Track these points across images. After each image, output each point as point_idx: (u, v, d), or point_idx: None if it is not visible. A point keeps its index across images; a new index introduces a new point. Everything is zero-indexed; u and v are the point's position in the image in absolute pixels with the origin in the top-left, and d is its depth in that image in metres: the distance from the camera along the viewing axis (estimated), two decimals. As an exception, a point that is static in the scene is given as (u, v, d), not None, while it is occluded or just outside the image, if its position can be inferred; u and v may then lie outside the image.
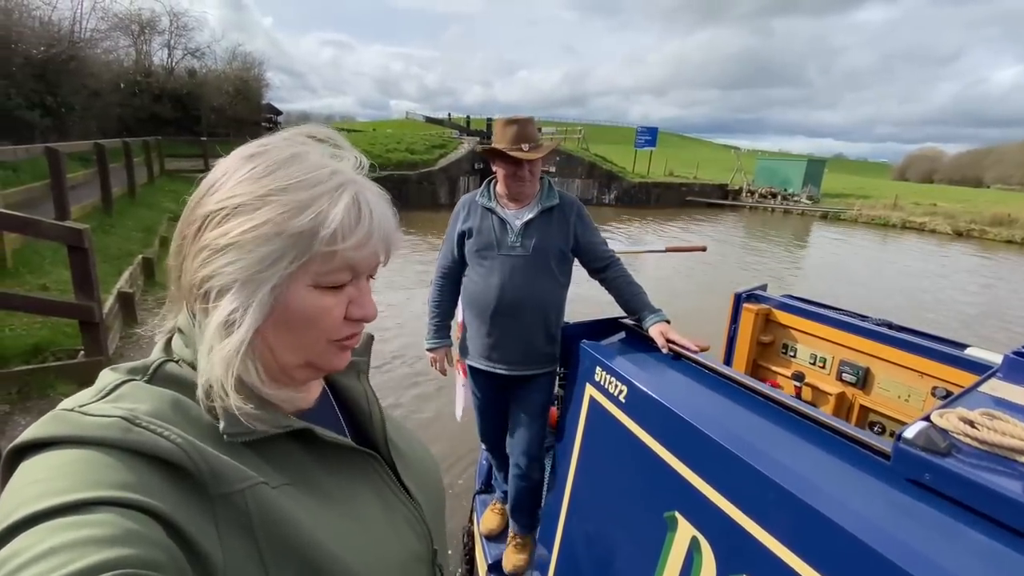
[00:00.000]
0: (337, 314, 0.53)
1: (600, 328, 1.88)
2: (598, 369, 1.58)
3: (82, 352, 4.01)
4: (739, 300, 2.27)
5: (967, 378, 1.52)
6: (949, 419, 0.94)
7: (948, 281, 12.48)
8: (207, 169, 0.54)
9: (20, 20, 14.27)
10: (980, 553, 0.75)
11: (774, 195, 27.86)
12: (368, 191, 0.54)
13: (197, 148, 17.08)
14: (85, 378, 2.40)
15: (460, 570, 2.77)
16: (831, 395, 1.96)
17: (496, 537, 2.33)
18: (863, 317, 1.98)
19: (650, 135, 29.66)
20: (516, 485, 2.06)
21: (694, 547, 1.12)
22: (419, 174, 19.79)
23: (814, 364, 2.05)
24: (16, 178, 8.16)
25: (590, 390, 1.62)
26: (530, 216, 1.89)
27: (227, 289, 0.48)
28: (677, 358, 1.57)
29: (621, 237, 15.55)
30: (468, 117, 34.17)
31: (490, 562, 2.22)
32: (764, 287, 2.37)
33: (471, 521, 2.70)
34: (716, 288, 9.16)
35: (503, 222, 1.89)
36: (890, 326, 1.88)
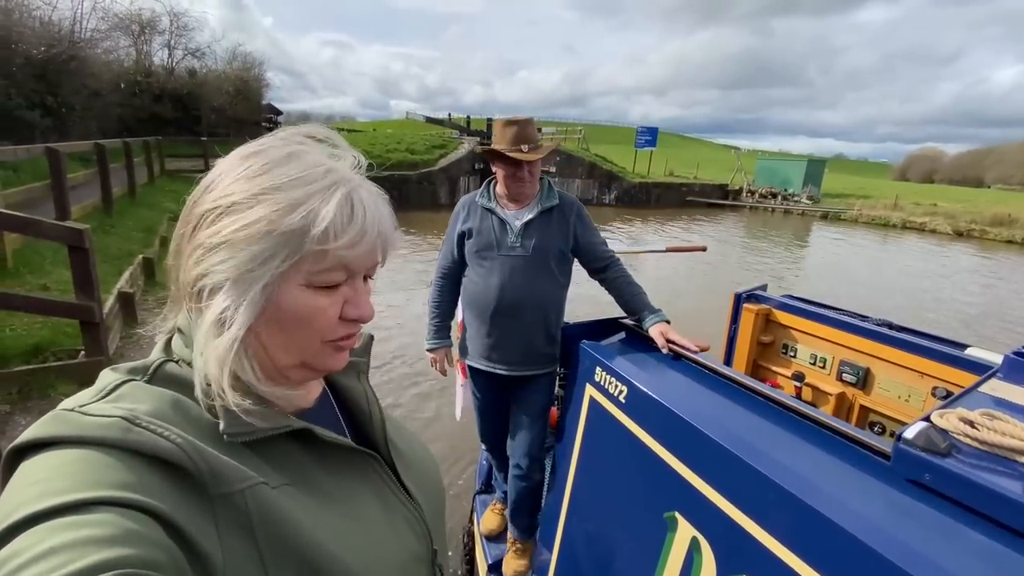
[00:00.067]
0: (331, 314, 0.53)
1: (600, 328, 1.88)
2: (598, 369, 1.58)
3: (82, 352, 4.01)
4: (739, 300, 2.27)
5: (967, 378, 1.52)
6: (949, 419, 0.94)
7: (948, 281, 12.48)
8: (207, 169, 0.54)
9: (20, 20, 14.27)
10: (980, 553, 0.75)
11: (774, 195, 27.85)
12: (363, 190, 0.53)
13: (197, 148, 17.09)
14: (85, 378, 2.40)
15: (460, 570, 2.77)
16: (831, 395, 1.96)
17: (496, 537, 2.33)
18: (863, 317, 1.97)
19: (650, 135, 29.65)
20: (516, 486, 2.06)
21: (694, 547, 1.12)
22: (419, 174, 19.79)
23: (814, 364, 2.05)
24: (16, 178, 8.16)
25: (590, 390, 1.62)
26: (530, 216, 1.89)
27: (219, 287, 0.48)
28: (677, 358, 1.57)
29: (621, 237, 15.55)
30: (468, 117, 34.18)
31: (490, 562, 2.22)
32: (764, 287, 2.37)
33: (471, 521, 2.70)
34: (716, 288, 9.16)
35: (503, 222, 1.89)
36: (890, 326, 1.88)
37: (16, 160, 8.07)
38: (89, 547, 0.34)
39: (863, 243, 18.36)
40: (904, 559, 0.74)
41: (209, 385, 0.47)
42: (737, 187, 28.96)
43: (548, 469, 2.09)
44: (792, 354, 2.15)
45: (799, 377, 2.08)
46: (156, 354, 0.53)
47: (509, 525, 2.17)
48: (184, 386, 0.49)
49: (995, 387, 1.18)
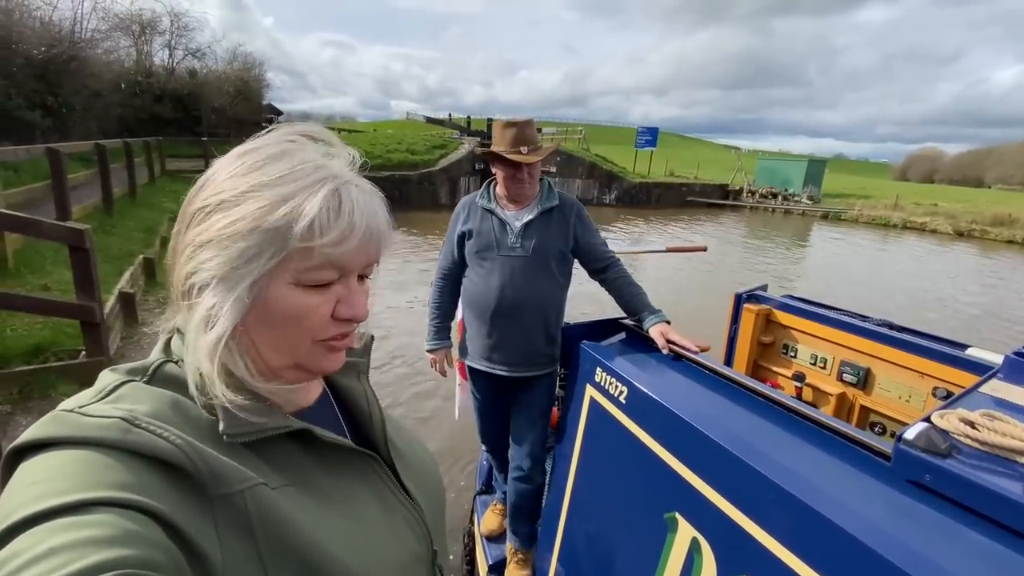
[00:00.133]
0: (323, 313, 0.52)
1: (600, 329, 1.88)
2: (598, 370, 1.58)
3: (83, 352, 4.01)
4: (739, 300, 2.27)
5: (968, 379, 1.52)
6: (950, 420, 0.94)
7: (949, 281, 12.48)
8: (207, 169, 0.54)
9: (21, 20, 14.28)
10: (981, 554, 0.75)
11: (775, 195, 27.84)
12: (354, 187, 0.52)
13: (198, 148, 17.11)
14: (86, 378, 2.40)
15: (461, 571, 2.77)
16: (832, 395, 1.96)
17: (497, 538, 2.33)
18: (864, 317, 1.97)
19: (651, 135, 29.64)
20: (517, 488, 2.05)
21: (694, 548, 1.12)
22: (420, 174, 19.79)
23: (815, 364, 2.05)
24: (17, 178, 8.16)
25: (590, 391, 1.62)
26: (530, 217, 1.89)
27: (207, 285, 0.48)
28: (677, 359, 1.57)
29: (622, 237, 15.55)
30: (469, 117, 34.18)
31: (491, 563, 2.22)
32: (764, 287, 2.37)
33: (472, 522, 2.70)
34: (717, 288, 9.16)
35: (503, 223, 1.89)
36: (891, 326, 1.88)
37: (17, 160, 8.07)
38: (89, 548, 0.34)
39: (863, 243, 18.35)
40: (904, 560, 0.74)
41: (203, 381, 0.47)
42: (737, 187, 28.95)
43: (548, 470, 2.09)
44: (792, 354, 2.15)
45: (799, 377, 2.08)
46: (156, 354, 0.52)
47: (509, 533, 2.15)
48: (184, 386, 0.49)
49: (996, 387, 1.18)
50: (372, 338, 0.72)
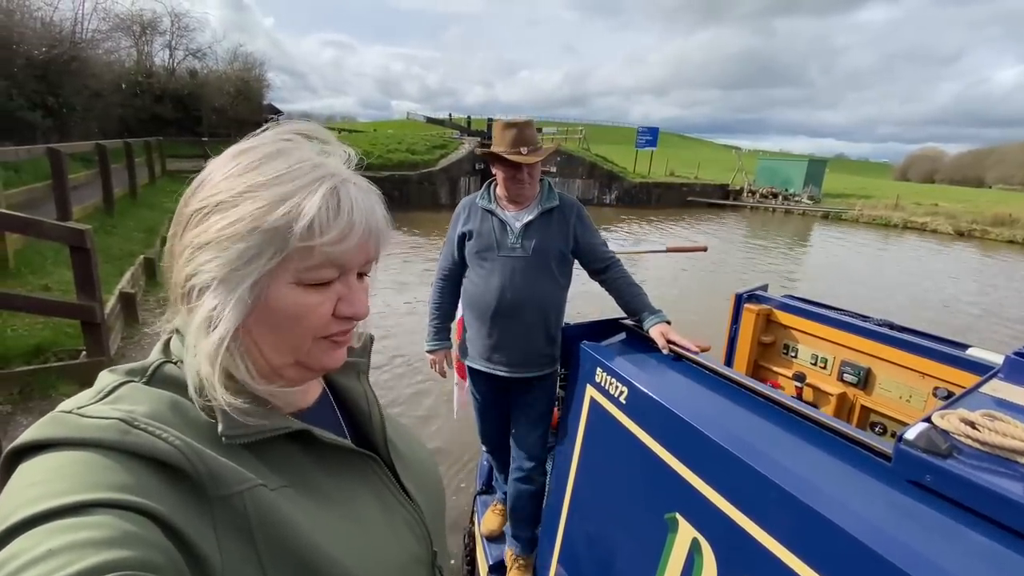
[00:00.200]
0: (323, 311, 0.52)
1: (600, 329, 1.88)
2: (598, 370, 1.58)
3: (84, 352, 4.02)
4: (740, 300, 2.27)
5: (968, 379, 1.52)
6: (950, 420, 0.94)
7: (950, 281, 12.47)
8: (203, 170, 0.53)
9: (22, 21, 14.31)
10: (981, 555, 0.75)
11: (775, 195, 27.83)
12: (352, 185, 0.52)
13: (198, 148, 17.15)
14: (87, 378, 2.40)
15: (462, 571, 2.77)
16: (832, 396, 1.96)
17: (497, 538, 2.33)
18: (864, 317, 1.97)
19: (651, 135, 29.64)
20: (518, 489, 2.04)
21: (695, 548, 1.12)
22: (420, 174, 19.80)
23: (815, 365, 2.05)
24: (18, 179, 8.18)
25: (591, 391, 1.62)
26: (530, 218, 1.89)
27: (207, 287, 0.48)
28: (678, 359, 1.57)
29: (622, 237, 15.55)
30: (469, 117, 34.17)
31: (491, 563, 2.22)
32: (765, 287, 2.37)
33: (472, 522, 2.70)
34: (717, 288, 9.16)
35: (503, 224, 1.89)
36: (891, 326, 1.88)
37: (17, 160, 8.09)
38: (88, 549, 0.34)
39: (864, 243, 18.34)
40: (905, 560, 0.74)
41: (203, 385, 0.47)
42: (738, 187, 28.94)
43: (548, 470, 2.09)
44: (793, 354, 2.15)
45: (800, 377, 2.08)
46: (155, 355, 0.52)
47: (509, 538, 2.14)
48: (183, 387, 0.49)
49: (996, 388, 1.18)
50: (372, 338, 0.72)
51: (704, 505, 1.10)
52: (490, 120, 23.98)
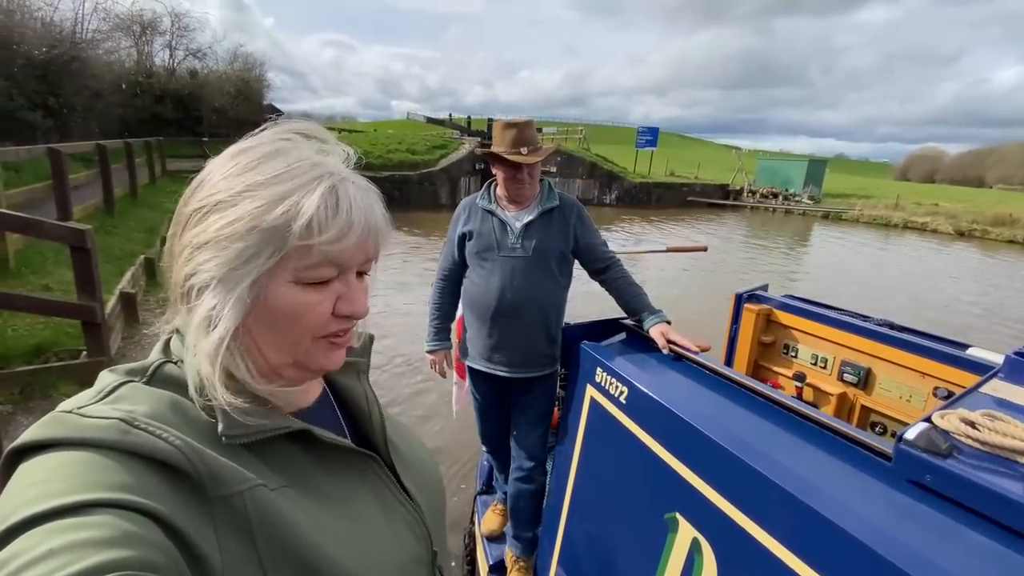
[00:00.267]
0: (323, 310, 0.52)
1: (600, 329, 1.88)
2: (599, 370, 1.58)
3: (84, 352, 4.02)
4: (740, 300, 2.27)
5: (969, 378, 1.52)
6: (950, 420, 0.94)
7: (950, 281, 12.47)
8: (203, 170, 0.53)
9: (22, 21, 14.31)
10: (981, 555, 0.75)
11: (775, 195, 27.84)
12: (351, 184, 0.52)
13: (198, 148, 17.16)
14: (87, 378, 2.40)
15: (462, 571, 2.77)
16: (832, 395, 1.96)
17: (497, 538, 2.33)
18: (864, 317, 1.97)
19: (651, 135, 29.65)
20: (518, 488, 2.04)
21: (695, 548, 1.12)
22: (420, 174, 19.80)
23: (815, 364, 2.05)
24: (18, 179, 8.18)
25: (591, 391, 1.62)
26: (530, 218, 1.89)
27: (207, 286, 0.48)
28: (678, 359, 1.57)
29: (622, 237, 15.55)
30: (469, 117, 34.17)
31: (491, 563, 2.22)
32: (765, 287, 2.37)
33: (472, 522, 2.70)
34: (717, 288, 9.15)
35: (503, 224, 1.89)
36: (891, 326, 1.88)
37: (18, 160, 8.09)
38: (88, 549, 0.34)
39: (864, 243, 18.34)
40: (905, 560, 0.74)
41: (203, 385, 0.47)
42: (738, 187, 28.95)
43: (549, 470, 2.09)
44: (793, 354, 2.14)
45: (800, 377, 2.08)
46: (155, 355, 0.52)
47: (509, 539, 2.14)
48: (183, 387, 0.49)
49: (996, 387, 1.18)
50: (372, 338, 0.72)
51: (704, 505, 1.10)
52: (490, 120, 23.98)
